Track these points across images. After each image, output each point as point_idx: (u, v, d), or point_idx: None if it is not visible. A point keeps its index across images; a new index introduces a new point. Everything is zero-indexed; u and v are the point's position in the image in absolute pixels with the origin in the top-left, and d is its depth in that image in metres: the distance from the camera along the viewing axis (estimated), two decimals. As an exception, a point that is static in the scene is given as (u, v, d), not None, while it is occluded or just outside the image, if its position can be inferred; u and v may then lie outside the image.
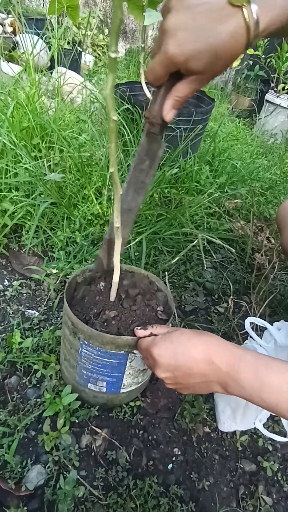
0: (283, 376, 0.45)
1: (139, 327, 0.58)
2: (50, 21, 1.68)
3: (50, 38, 1.64)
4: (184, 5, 0.37)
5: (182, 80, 0.42)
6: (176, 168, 1.33)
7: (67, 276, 1.02)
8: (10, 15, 2.30)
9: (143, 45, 1.41)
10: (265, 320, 0.75)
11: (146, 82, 1.39)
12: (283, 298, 1.17)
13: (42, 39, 1.68)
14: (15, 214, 1.06)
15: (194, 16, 0.37)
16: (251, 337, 0.73)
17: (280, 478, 0.73)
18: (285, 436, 0.69)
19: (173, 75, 0.43)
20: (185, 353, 0.49)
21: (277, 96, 2.76)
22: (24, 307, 0.94)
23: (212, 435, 0.77)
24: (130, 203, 0.59)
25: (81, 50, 2.59)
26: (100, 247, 0.64)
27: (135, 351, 0.60)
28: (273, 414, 0.76)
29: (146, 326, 0.58)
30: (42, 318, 0.92)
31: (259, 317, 0.93)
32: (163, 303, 0.70)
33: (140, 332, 0.57)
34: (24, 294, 0.98)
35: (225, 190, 1.43)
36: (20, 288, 0.99)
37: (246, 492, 0.70)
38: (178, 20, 0.37)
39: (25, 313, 0.92)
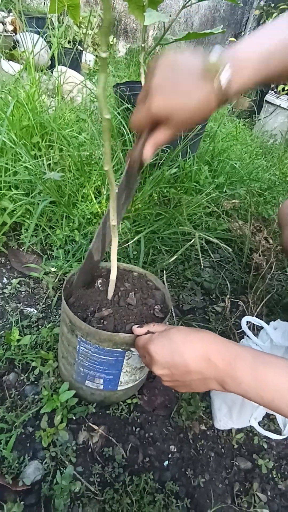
0: (279, 372, 0.45)
1: (136, 325, 0.58)
2: (51, 20, 1.68)
3: (50, 37, 1.65)
4: (168, 67, 0.44)
5: (160, 127, 0.48)
6: (175, 168, 1.34)
7: (65, 274, 1.03)
8: (11, 14, 2.30)
9: (143, 45, 1.41)
10: (262, 319, 0.76)
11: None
12: (280, 298, 1.17)
13: (42, 38, 1.68)
14: (15, 212, 1.06)
15: (175, 79, 0.44)
16: (247, 336, 0.74)
17: (274, 476, 0.74)
18: (280, 434, 0.70)
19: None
20: (182, 350, 0.50)
21: (277, 97, 2.77)
22: (23, 305, 0.95)
23: (208, 432, 0.78)
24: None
25: (81, 49, 2.59)
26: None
27: (132, 349, 0.60)
28: (268, 412, 0.77)
29: (143, 324, 0.59)
30: (41, 316, 0.93)
31: (256, 316, 0.93)
32: (160, 302, 0.71)
33: (137, 330, 0.58)
34: (23, 292, 0.99)
35: (224, 190, 1.44)
36: (19, 286, 1.00)
37: (241, 489, 0.70)
38: (161, 81, 0.44)
39: (24, 311, 0.93)
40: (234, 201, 1.39)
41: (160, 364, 0.51)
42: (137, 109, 0.48)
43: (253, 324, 0.75)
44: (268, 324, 0.72)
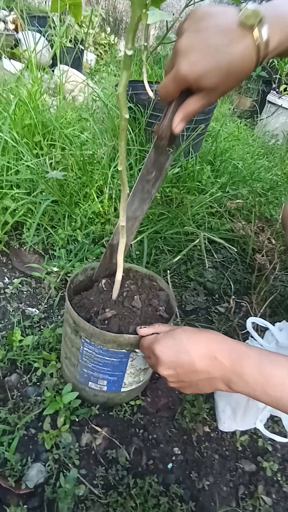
0: (287, 370, 0.45)
1: (141, 327, 0.57)
2: (53, 18, 1.67)
3: (52, 36, 1.64)
4: (197, 27, 0.40)
5: (193, 96, 0.44)
6: (178, 168, 1.33)
7: (68, 274, 1.02)
8: (12, 12, 2.29)
9: (145, 44, 1.40)
10: (265, 320, 0.75)
11: (148, 81, 1.39)
12: (283, 298, 1.17)
13: (44, 37, 1.67)
14: (16, 211, 1.05)
15: (206, 37, 0.39)
16: (252, 337, 0.73)
17: (279, 478, 0.73)
18: (285, 437, 0.69)
19: (183, 91, 0.45)
20: (188, 349, 0.49)
21: (279, 97, 2.76)
22: (25, 305, 0.94)
23: (212, 434, 0.77)
24: (135, 211, 0.60)
25: (83, 48, 2.59)
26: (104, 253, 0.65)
27: (136, 350, 0.60)
28: (273, 414, 0.76)
29: (148, 326, 0.58)
30: (43, 316, 0.92)
31: (259, 317, 0.93)
32: (165, 302, 0.70)
33: (142, 331, 0.57)
34: (25, 292, 0.98)
35: (227, 190, 1.43)
36: (20, 286, 0.99)
37: (246, 492, 0.70)
38: (191, 41, 0.39)
39: (26, 311, 0.92)
40: (238, 201, 1.39)
41: (166, 364, 0.50)
42: (166, 75, 0.44)
43: (258, 325, 0.75)
44: (274, 325, 0.71)
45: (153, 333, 0.57)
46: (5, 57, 1.78)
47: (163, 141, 0.52)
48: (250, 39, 0.38)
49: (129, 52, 0.35)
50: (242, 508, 0.67)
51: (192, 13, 0.41)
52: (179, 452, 0.72)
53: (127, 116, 0.40)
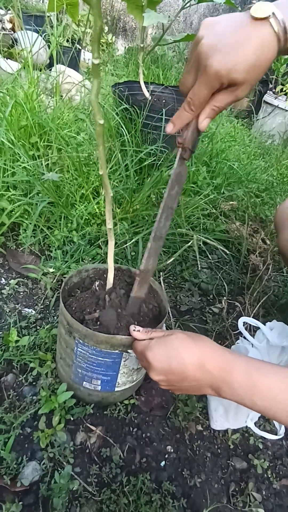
0: (274, 379, 0.46)
1: (135, 328, 0.59)
2: (50, 18, 1.67)
3: (49, 35, 1.64)
4: (213, 31, 0.42)
5: (221, 92, 0.45)
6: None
7: (64, 275, 1.03)
8: (9, 12, 2.29)
9: (142, 45, 1.41)
10: (258, 320, 0.77)
11: (144, 82, 1.40)
12: (276, 299, 1.18)
13: (41, 36, 1.67)
14: (13, 212, 1.06)
15: (225, 37, 0.41)
16: (243, 337, 0.74)
17: (269, 476, 0.75)
18: (275, 434, 0.71)
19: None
20: (178, 357, 0.51)
21: (275, 98, 2.77)
22: (21, 305, 0.95)
23: (205, 433, 0.79)
24: (161, 229, 0.61)
25: (80, 47, 2.59)
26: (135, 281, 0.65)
27: (129, 351, 0.61)
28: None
29: (142, 329, 0.59)
30: (39, 316, 0.93)
31: (252, 317, 0.94)
32: (157, 304, 0.71)
33: (135, 333, 0.58)
34: (21, 293, 0.99)
35: (222, 191, 1.44)
36: (17, 286, 1.00)
37: (237, 489, 0.71)
38: (211, 44, 0.41)
39: (22, 311, 0.93)
40: (231, 202, 1.40)
41: (157, 370, 0.52)
42: (186, 83, 0.45)
43: (250, 324, 0.76)
44: (265, 325, 0.73)
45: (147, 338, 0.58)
46: (1, 57, 1.79)
47: (187, 153, 0.53)
48: (267, 29, 0.40)
49: (96, 61, 0.36)
50: (232, 504, 0.69)
51: (204, 22, 0.43)
52: (172, 450, 0.74)
53: (101, 122, 0.41)
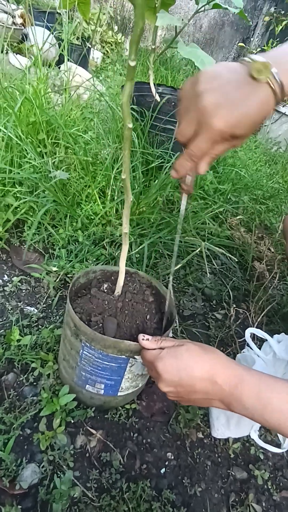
0: (284, 396, 0.46)
1: (144, 337, 0.57)
2: (61, 15, 1.66)
3: (60, 32, 1.63)
4: (213, 86, 0.42)
5: (222, 142, 0.46)
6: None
7: (67, 275, 1.02)
8: (20, 7, 2.28)
9: (153, 47, 1.40)
10: (262, 329, 0.76)
11: (154, 84, 1.39)
12: (279, 307, 1.18)
13: (52, 33, 1.66)
14: (18, 209, 1.05)
15: (227, 93, 0.42)
16: (249, 347, 0.74)
17: (270, 487, 0.74)
18: (278, 446, 0.70)
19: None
20: (189, 371, 0.50)
21: (283, 105, 2.77)
22: (23, 303, 0.94)
23: (205, 441, 0.78)
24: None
25: (90, 46, 2.58)
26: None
27: (136, 357, 0.60)
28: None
29: (152, 337, 0.57)
30: (41, 315, 0.92)
31: (256, 326, 0.94)
32: (165, 309, 0.70)
33: (144, 342, 0.56)
34: (24, 291, 0.98)
35: (229, 197, 1.44)
36: (19, 284, 0.99)
37: (237, 500, 0.70)
38: (215, 101, 0.42)
39: (24, 310, 0.92)
40: (239, 217, 1.40)
41: (167, 382, 0.52)
42: (197, 140, 0.45)
43: (255, 334, 0.75)
44: (272, 337, 0.72)
45: (156, 348, 0.57)
46: (11, 52, 1.77)
47: (190, 193, 0.55)
48: (266, 88, 0.42)
49: (132, 63, 0.35)
50: (232, 515, 0.68)
51: (203, 75, 0.43)
52: (172, 457, 0.73)
53: (131, 125, 0.40)
